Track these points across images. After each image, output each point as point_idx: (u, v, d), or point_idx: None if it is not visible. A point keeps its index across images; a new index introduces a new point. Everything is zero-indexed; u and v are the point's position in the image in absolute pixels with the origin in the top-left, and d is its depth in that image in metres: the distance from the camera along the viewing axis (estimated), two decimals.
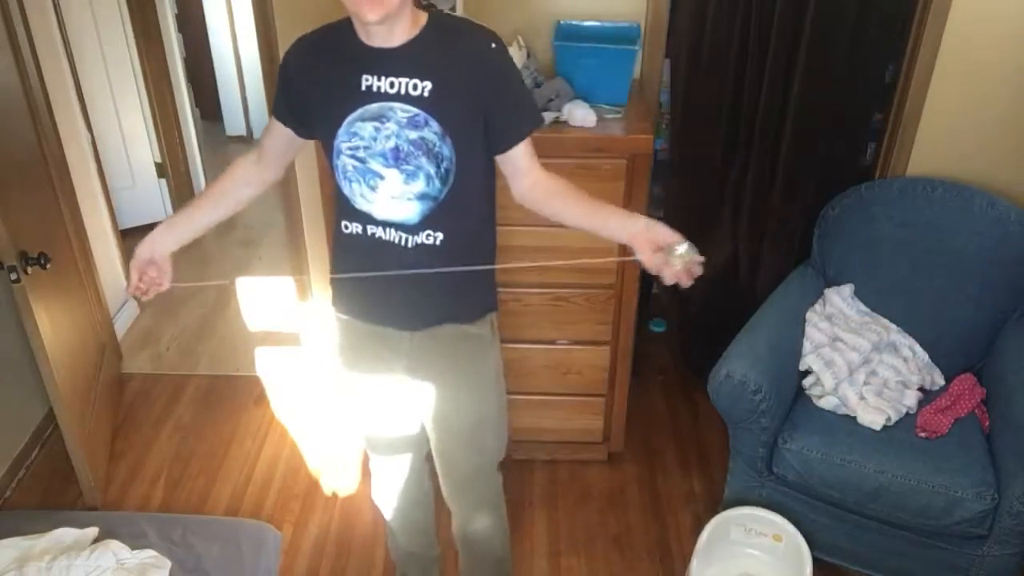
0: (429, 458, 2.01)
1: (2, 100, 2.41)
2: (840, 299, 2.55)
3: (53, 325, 2.45)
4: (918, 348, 2.50)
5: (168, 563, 1.95)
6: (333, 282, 1.80)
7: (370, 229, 1.63)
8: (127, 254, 3.68)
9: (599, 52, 2.36)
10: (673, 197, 2.86)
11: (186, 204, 1.86)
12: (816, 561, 2.17)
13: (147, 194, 4.33)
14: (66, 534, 2.01)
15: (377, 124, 1.54)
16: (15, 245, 2.19)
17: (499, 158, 1.63)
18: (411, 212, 1.59)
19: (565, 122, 2.30)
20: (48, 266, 2.30)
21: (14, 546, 1.95)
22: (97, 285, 3.14)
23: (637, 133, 2.29)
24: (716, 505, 2.50)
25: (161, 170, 4.34)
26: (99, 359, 2.98)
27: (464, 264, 1.65)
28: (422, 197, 1.58)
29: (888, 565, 2.31)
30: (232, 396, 3.18)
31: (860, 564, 2.36)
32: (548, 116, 2.31)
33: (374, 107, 1.53)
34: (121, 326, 3.49)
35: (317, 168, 2.32)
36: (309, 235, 2.94)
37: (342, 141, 1.57)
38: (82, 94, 3.31)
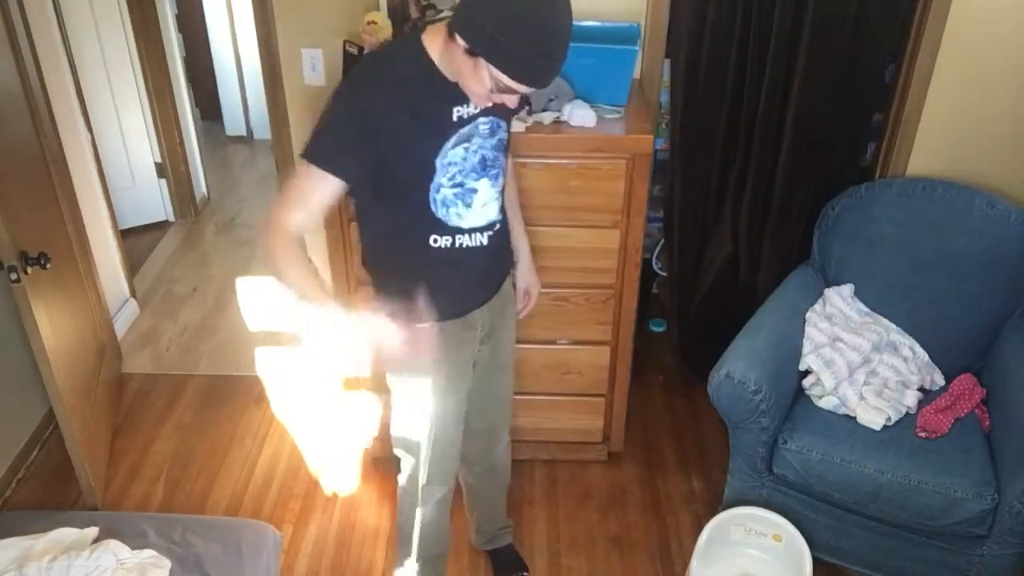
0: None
1: (2, 100, 2.40)
2: (840, 299, 2.55)
3: (53, 325, 2.45)
4: (918, 348, 2.50)
5: (168, 563, 1.95)
6: (403, 296, 1.71)
7: (458, 239, 1.70)
8: (127, 254, 3.69)
9: (599, 52, 2.36)
10: (673, 197, 2.86)
11: (314, 279, 1.68)
12: (816, 561, 2.17)
13: (147, 194, 4.33)
14: (66, 534, 2.01)
15: (466, 145, 1.63)
16: (15, 245, 2.19)
17: None
18: (495, 211, 1.74)
19: (565, 122, 2.30)
20: (48, 266, 2.30)
21: (14, 546, 1.94)
22: (97, 285, 3.14)
23: (637, 133, 2.29)
24: (716, 505, 2.50)
25: (161, 170, 4.34)
26: (99, 359, 2.98)
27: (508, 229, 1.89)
28: (500, 192, 1.74)
29: (888, 565, 2.31)
30: (232, 396, 3.18)
31: (860, 564, 2.36)
32: (548, 116, 2.31)
33: (465, 131, 1.61)
34: (121, 326, 3.49)
35: None
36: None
37: (441, 176, 1.62)
38: (82, 94, 3.31)
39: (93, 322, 3.00)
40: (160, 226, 4.43)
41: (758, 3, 2.50)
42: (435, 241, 1.69)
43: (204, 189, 4.73)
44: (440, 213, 1.66)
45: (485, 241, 1.74)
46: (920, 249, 2.50)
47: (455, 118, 1.58)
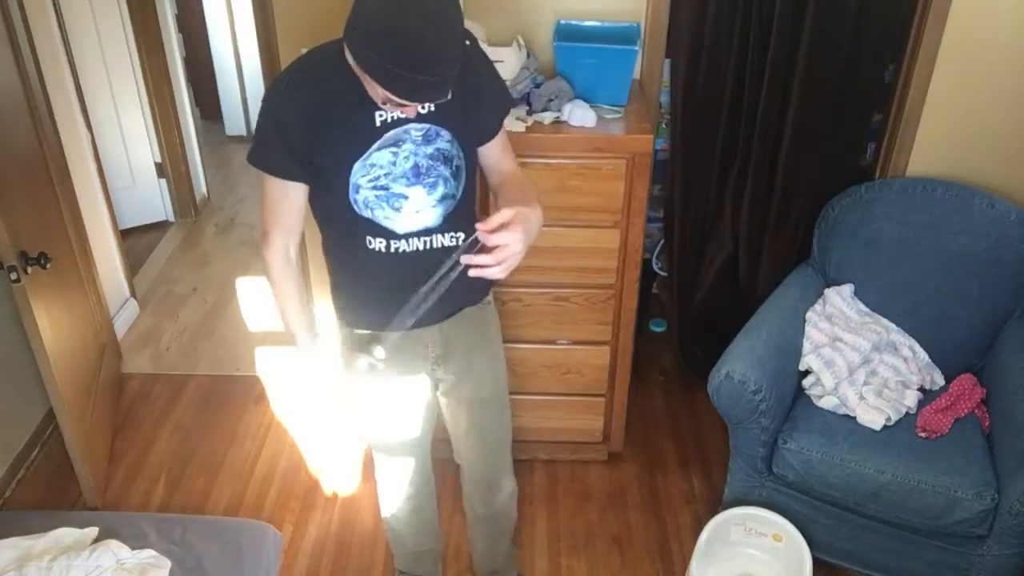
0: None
1: (2, 100, 2.41)
2: (840, 299, 2.55)
3: (53, 325, 2.45)
4: (918, 348, 2.50)
5: (168, 563, 1.95)
6: (346, 303, 1.79)
7: (393, 244, 1.65)
8: (127, 254, 3.69)
9: (599, 52, 2.36)
10: (673, 197, 2.86)
11: (300, 316, 1.77)
12: (816, 561, 2.17)
13: (147, 194, 4.33)
14: (66, 534, 2.01)
15: (394, 149, 1.57)
16: (15, 245, 2.19)
17: (481, 149, 1.71)
18: (433, 216, 1.65)
19: (565, 122, 2.30)
20: (48, 266, 2.30)
21: (14, 546, 1.94)
22: (97, 285, 3.14)
23: (637, 133, 2.29)
24: (716, 505, 2.50)
25: (161, 170, 4.34)
26: (99, 359, 2.98)
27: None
28: (443, 199, 1.64)
29: (888, 565, 2.31)
30: (232, 396, 3.19)
31: (860, 564, 2.36)
32: (548, 116, 2.31)
33: (391, 135, 1.56)
34: (121, 326, 3.49)
35: None
36: (308, 235, 2.94)
37: (359, 176, 1.57)
38: (82, 94, 3.31)
39: (93, 322, 3.00)
40: (160, 226, 4.43)
41: (758, 3, 2.50)
42: (370, 243, 1.65)
43: (204, 189, 4.73)
44: (366, 213, 1.61)
45: (422, 247, 1.66)
46: (920, 249, 2.50)
47: (378, 123, 1.53)
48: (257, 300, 3.78)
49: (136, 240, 4.23)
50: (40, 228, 2.54)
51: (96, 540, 2.01)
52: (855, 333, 2.45)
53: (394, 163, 1.57)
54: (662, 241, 3.11)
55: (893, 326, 2.53)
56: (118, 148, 4.11)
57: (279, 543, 2.21)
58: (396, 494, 2.09)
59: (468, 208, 1.73)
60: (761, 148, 2.69)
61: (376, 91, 1.42)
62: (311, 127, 1.53)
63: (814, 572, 2.14)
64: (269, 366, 3.33)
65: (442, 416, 2.02)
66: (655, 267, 3.24)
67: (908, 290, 2.53)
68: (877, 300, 2.56)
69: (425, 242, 1.67)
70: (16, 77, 2.49)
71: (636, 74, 2.62)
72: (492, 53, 2.15)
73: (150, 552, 1.97)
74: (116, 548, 1.95)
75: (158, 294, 3.86)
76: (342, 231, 1.69)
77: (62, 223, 2.80)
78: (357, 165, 1.56)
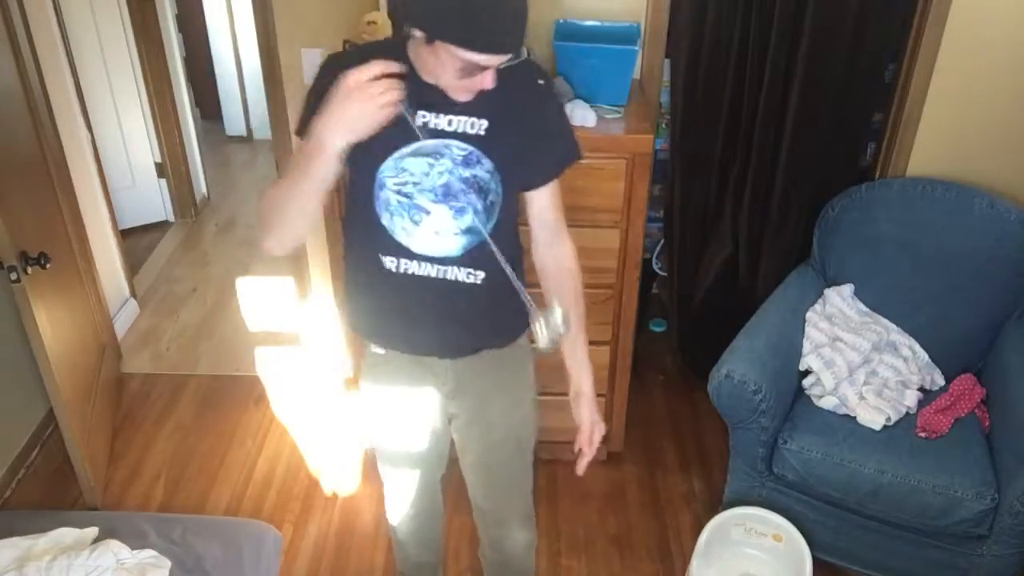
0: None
1: (2, 100, 2.41)
2: (840, 299, 2.55)
3: (53, 325, 2.45)
4: (918, 348, 2.50)
5: (168, 563, 1.95)
6: (359, 312, 1.75)
7: (403, 264, 1.58)
8: (127, 254, 3.69)
9: (599, 52, 2.36)
10: (673, 197, 2.86)
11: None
12: (816, 561, 2.17)
13: (147, 194, 4.33)
14: (66, 534, 2.01)
15: (431, 160, 1.50)
16: (15, 245, 2.19)
17: (528, 195, 1.63)
18: (454, 246, 1.56)
19: None
20: (48, 266, 2.30)
21: (14, 546, 1.94)
22: (97, 285, 3.14)
23: (637, 133, 2.29)
24: (716, 505, 2.50)
25: (161, 170, 4.34)
26: (99, 359, 2.98)
27: (503, 301, 1.63)
28: (467, 231, 1.55)
29: (888, 565, 2.31)
30: (232, 396, 3.18)
31: (860, 564, 2.36)
32: None
33: (429, 144, 1.49)
34: (121, 326, 3.49)
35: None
36: (309, 235, 2.94)
37: (387, 175, 1.51)
38: (82, 94, 3.31)
39: (93, 322, 3.00)
40: (160, 226, 4.43)
41: (758, 3, 2.50)
42: (382, 260, 1.58)
43: (204, 189, 4.73)
44: (384, 219, 1.54)
45: (435, 274, 1.58)
46: (920, 249, 2.50)
47: (419, 123, 1.48)
48: (257, 300, 3.79)
49: (136, 240, 4.23)
50: (40, 228, 2.54)
51: (96, 540, 2.00)
52: (855, 333, 2.45)
53: (427, 174, 1.50)
54: (662, 241, 3.11)
55: (893, 326, 2.53)
56: (118, 148, 4.11)
57: (279, 543, 2.21)
58: (399, 507, 2.04)
59: (498, 244, 1.58)
60: (761, 148, 2.69)
61: (446, 66, 1.36)
62: None
63: (814, 572, 2.14)
64: (269, 366, 3.33)
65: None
66: (655, 267, 3.24)
67: (908, 290, 2.53)
68: (877, 300, 2.56)
69: (439, 270, 1.58)
70: (16, 77, 2.50)
71: (636, 74, 2.62)
72: None
73: (150, 552, 1.97)
74: (116, 548, 1.94)
75: (158, 294, 3.86)
76: (361, 239, 1.63)
77: (62, 223, 2.80)
78: (389, 163, 1.50)
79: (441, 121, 1.49)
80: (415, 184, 1.51)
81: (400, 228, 1.55)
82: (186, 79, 4.52)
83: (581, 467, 1.74)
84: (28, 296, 2.25)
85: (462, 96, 1.44)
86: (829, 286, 2.60)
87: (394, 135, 1.46)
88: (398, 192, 1.52)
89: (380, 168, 1.51)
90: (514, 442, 1.91)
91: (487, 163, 1.51)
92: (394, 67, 1.34)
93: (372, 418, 1.89)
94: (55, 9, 3.10)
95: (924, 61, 2.49)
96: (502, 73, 1.41)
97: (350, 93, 1.31)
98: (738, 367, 2.21)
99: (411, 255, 1.57)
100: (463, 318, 1.65)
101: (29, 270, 2.24)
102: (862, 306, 2.57)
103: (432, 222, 1.53)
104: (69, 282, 2.76)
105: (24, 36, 2.59)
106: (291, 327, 3.46)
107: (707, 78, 2.63)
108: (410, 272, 1.59)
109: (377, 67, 1.31)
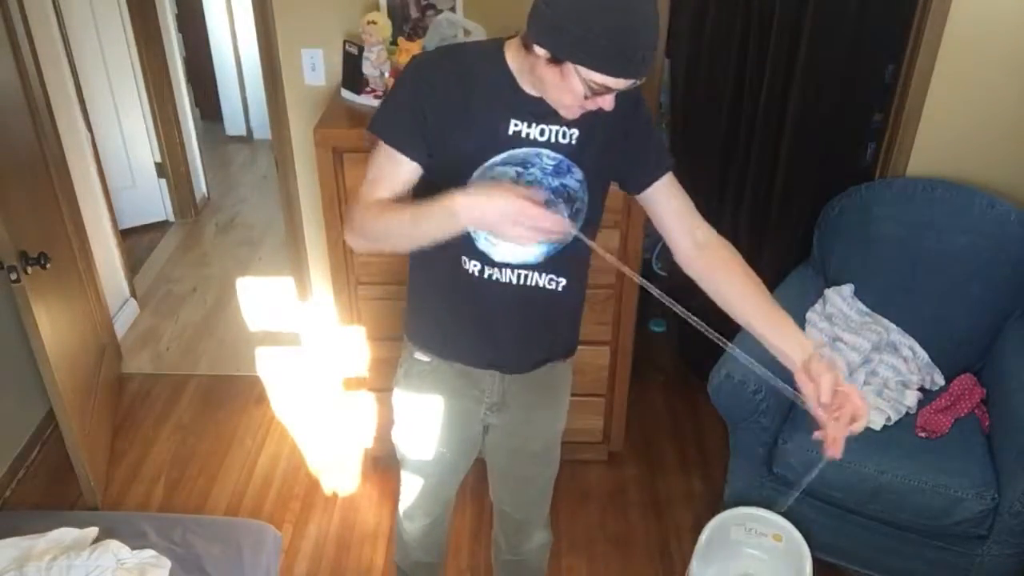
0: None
1: (2, 100, 2.41)
2: (840, 299, 2.55)
3: (53, 325, 2.45)
4: (918, 348, 2.50)
5: (168, 563, 1.95)
6: (421, 319, 1.72)
7: (487, 271, 1.55)
8: (127, 254, 3.69)
9: None
10: None
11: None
12: (816, 561, 2.17)
13: (147, 194, 4.34)
14: (66, 534, 2.01)
15: (520, 169, 1.47)
16: (15, 245, 2.19)
17: (645, 199, 1.59)
18: (536, 252, 1.53)
19: None
20: (48, 266, 2.30)
21: (14, 546, 1.94)
22: (97, 285, 3.14)
23: None
24: (716, 505, 2.50)
25: (161, 170, 4.34)
26: (99, 359, 2.98)
27: (575, 308, 1.66)
28: (554, 242, 1.52)
29: (888, 565, 2.31)
30: (232, 396, 3.19)
31: (860, 564, 2.36)
32: None
33: (520, 153, 1.46)
34: (121, 326, 3.49)
35: (317, 170, 2.32)
36: (309, 235, 2.95)
37: (477, 183, 1.47)
38: (82, 94, 3.31)
39: (93, 322, 3.00)
40: (160, 226, 4.44)
41: (758, 3, 2.50)
42: (464, 263, 1.54)
43: (204, 189, 4.73)
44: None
45: (515, 280, 1.55)
46: (920, 249, 2.50)
47: (511, 131, 1.45)
48: (257, 300, 3.79)
49: (136, 240, 4.23)
50: (40, 228, 2.54)
51: (96, 540, 2.00)
52: (855, 333, 2.45)
53: (515, 183, 1.46)
54: (662, 241, 3.10)
55: (893, 326, 2.53)
56: (118, 148, 4.11)
57: (279, 543, 2.21)
58: (414, 512, 2.01)
59: (577, 255, 1.58)
60: (761, 148, 2.69)
61: (572, 88, 1.32)
62: (446, 109, 1.45)
63: (814, 572, 2.14)
64: (269, 366, 3.33)
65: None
66: (655, 267, 3.24)
67: (908, 290, 2.53)
68: (877, 300, 2.56)
69: (520, 275, 1.55)
70: (16, 77, 2.50)
71: None
72: None
73: (150, 552, 1.97)
74: (116, 548, 1.94)
75: (158, 294, 3.86)
76: (440, 245, 1.56)
77: (62, 223, 2.80)
78: (479, 171, 1.46)
79: (533, 131, 1.45)
80: None
81: (483, 237, 1.52)
82: (186, 79, 4.53)
83: (833, 450, 1.48)
84: (28, 296, 2.25)
85: (572, 114, 1.40)
86: (829, 286, 2.60)
87: (487, 143, 1.45)
88: None
89: (471, 177, 1.47)
90: (550, 452, 1.89)
91: (577, 172, 1.49)
92: (552, 224, 1.31)
93: (404, 424, 1.84)
94: (55, 9, 3.10)
95: (924, 61, 2.49)
96: None
97: (507, 213, 1.29)
98: (738, 367, 2.21)
99: (492, 262, 1.54)
100: (538, 328, 1.64)
101: (29, 270, 2.24)
102: (862, 306, 2.57)
103: None
104: (69, 282, 2.76)
105: (24, 36, 2.59)
106: (291, 327, 3.46)
107: (707, 78, 2.63)
108: (493, 278, 1.55)
109: (544, 220, 1.29)
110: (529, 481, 1.94)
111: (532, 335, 1.65)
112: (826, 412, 1.45)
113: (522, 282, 1.56)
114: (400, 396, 1.80)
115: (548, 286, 1.57)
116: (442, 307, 1.66)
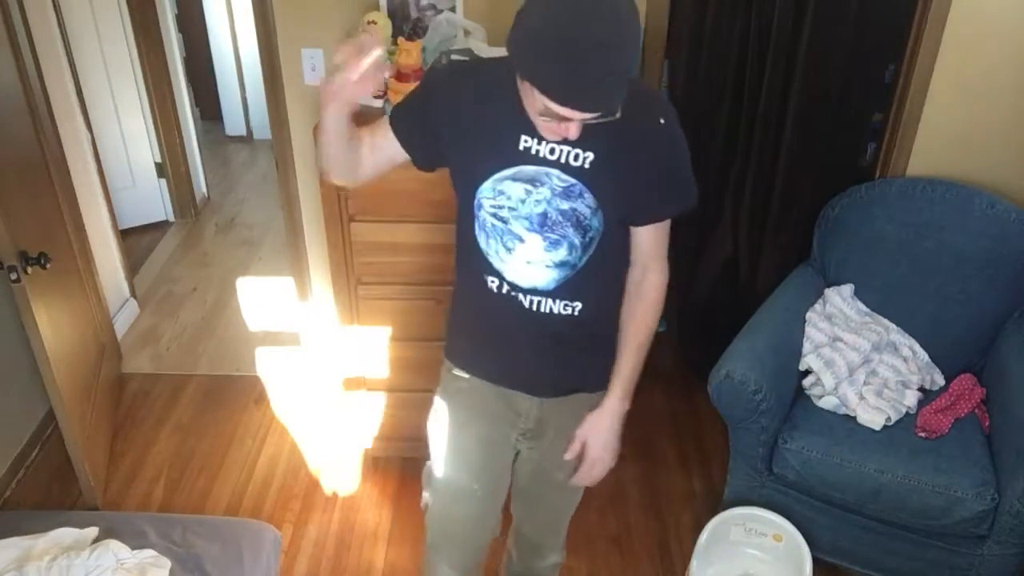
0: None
1: (2, 100, 2.40)
2: (840, 299, 2.55)
3: (53, 325, 2.45)
4: (918, 348, 2.50)
5: (168, 563, 1.95)
6: (455, 334, 1.73)
7: (504, 287, 1.55)
8: (127, 254, 3.69)
9: None
10: None
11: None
12: (816, 561, 2.17)
13: (147, 194, 4.34)
14: (66, 534, 2.01)
15: (529, 187, 1.45)
16: (15, 245, 2.19)
17: (632, 228, 1.58)
18: (545, 279, 1.52)
19: None
20: (48, 266, 2.30)
21: (14, 546, 1.94)
22: (97, 285, 3.14)
23: None
24: (716, 505, 2.50)
25: (161, 170, 4.34)
26: (99, 359, 2.98)
27: (603, 335, 1.61)
28: (560, 265, 1.51)
29: (888, 565, 2.31)
30: (232, 396, 3.18)
31: (860, 564, 2.36)
32: None
33: (529, 170, 1.44)
34: (121, 326, 3.49)
35: (317, 170, 2.32)
36: (309, 235, 2.94)
37: (485, 196, 1.49)
38: (82, 94, 3.31)
39: (93, 322, 3.00)
40: (160, 226, 4.43)
41: (758, 4, 2.50)
42: (487, 280, 1.56)
43: (204, 189, 4.73)
44: (481, 240, 1.53)
45: (527, 304, 1.54)
46: (920, 249, 2.50)
47: (521, 147, 1.43)
48: (257, 300, 3.79)
49: (136, 240, 4.23)
50: (40, 228, 2.54)
51: (96, 540, 2.00)
52: (855, 333, 2.45)
53: (523, 201, 1.45)
54: None
55: (893, 326, 2.53)
56: (118, 148, 4.11)
57: (279, 543, 2.21)
58: (456, 542, 1.91)
59: (593, 280, 1.54)
60: (761, 148, 2.69)
61: (534, 101, 1.30)
62: (458, 120, 1.47)
63: (814, 572, 2.14)
64: (269, 366, 3.33)
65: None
66: None
67: (908, 290, 2.53)
68: (877, 300, 2.56)
69: (533, 302, 1.54)
70: (16, 77, 2.49)
71: (636, 74, 2.62)
72: (492, 53, 2.15)
73: (150, 552, 1.97)
74: (116, 548, 1.94)
75: (158, 294, 3.86)
76: (467, 260, 1.60)
77: (62, 223, 2.80)
78: (488, 183, 1.47)
79: (543, 148, 1.43)
80: (511, 209, 1.47)
81: (495, 252, 1.52)
82: (186, 79, 4.53)
83: (575, 478, 1.70)
84: (28, 296, 2.25)
85: (548, 135, 1.39)
86: (829, 286, 2.61)
87: (496, 156, 1.45)
88: (494, 215, 1.49)
89: (480, 188, 1.48)
90: (573, 488, 1.86)
91: (589, 198, 1.45)
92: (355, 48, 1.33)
93: (438, 441, 1.79)
94: (55, 9, 3.10)
95: (924, 61, 2.49)
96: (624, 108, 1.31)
97: (338, 65, 1.32)
98: (738, 367, 2.21)
99: (507, 281, 1.54)
100: (563, 350, 1.61)
101: (29, 270, 2.24)
102: (862, 306, 2.57)
103: (525, 251, 1.49)
104: (69, 282, 2.76)
105: (24, 36, 2.59)
106: (291, 327, 3.46)
107: (707, 78, 2.63)
108: (510, 294, 1.55)
109: (350, 52, 1.32)
110: (550, 507, 1.93)
111: (558, 357, 1.63)
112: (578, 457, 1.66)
113: (537, 308, 1.55)
114: (438, 409, 1.78)
115: (564, 312, 1.56)
116: (474, 323, 1.68)
